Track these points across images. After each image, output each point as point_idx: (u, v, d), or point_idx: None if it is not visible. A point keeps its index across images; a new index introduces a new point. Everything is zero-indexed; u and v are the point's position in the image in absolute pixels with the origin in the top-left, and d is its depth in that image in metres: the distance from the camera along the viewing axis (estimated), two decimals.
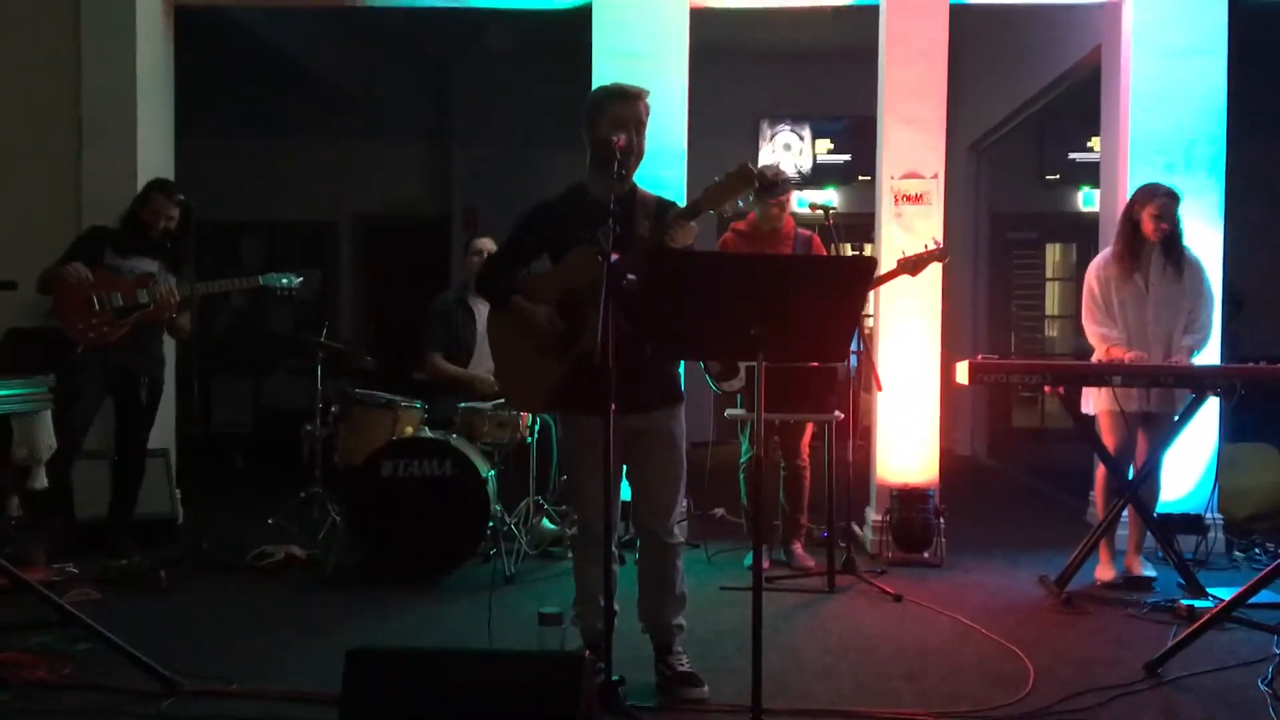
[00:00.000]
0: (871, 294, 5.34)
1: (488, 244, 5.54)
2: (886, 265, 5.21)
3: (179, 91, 6.12)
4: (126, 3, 5.70)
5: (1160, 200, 4.58)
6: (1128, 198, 4.83)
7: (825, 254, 5.06)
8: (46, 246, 5.03)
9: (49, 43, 5.75)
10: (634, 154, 3.27)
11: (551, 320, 3.29)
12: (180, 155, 6.01)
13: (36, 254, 4.96)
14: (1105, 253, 4.81)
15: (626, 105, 3.27)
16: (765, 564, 5.04)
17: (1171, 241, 4.62)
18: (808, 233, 5.14)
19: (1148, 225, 4.59)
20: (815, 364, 4.61)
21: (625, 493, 3.63)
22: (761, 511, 3.02)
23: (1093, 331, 4.73)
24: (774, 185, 4.93)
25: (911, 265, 4.81)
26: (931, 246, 4.80)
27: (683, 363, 4.15)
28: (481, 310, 5.61)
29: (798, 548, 5.15)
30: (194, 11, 6.19)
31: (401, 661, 2.63)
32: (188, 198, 5.06)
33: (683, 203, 3.74)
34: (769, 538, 5.11)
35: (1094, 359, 4.76)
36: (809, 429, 5.09)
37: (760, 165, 6.24)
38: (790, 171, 8.93)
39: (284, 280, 5.17)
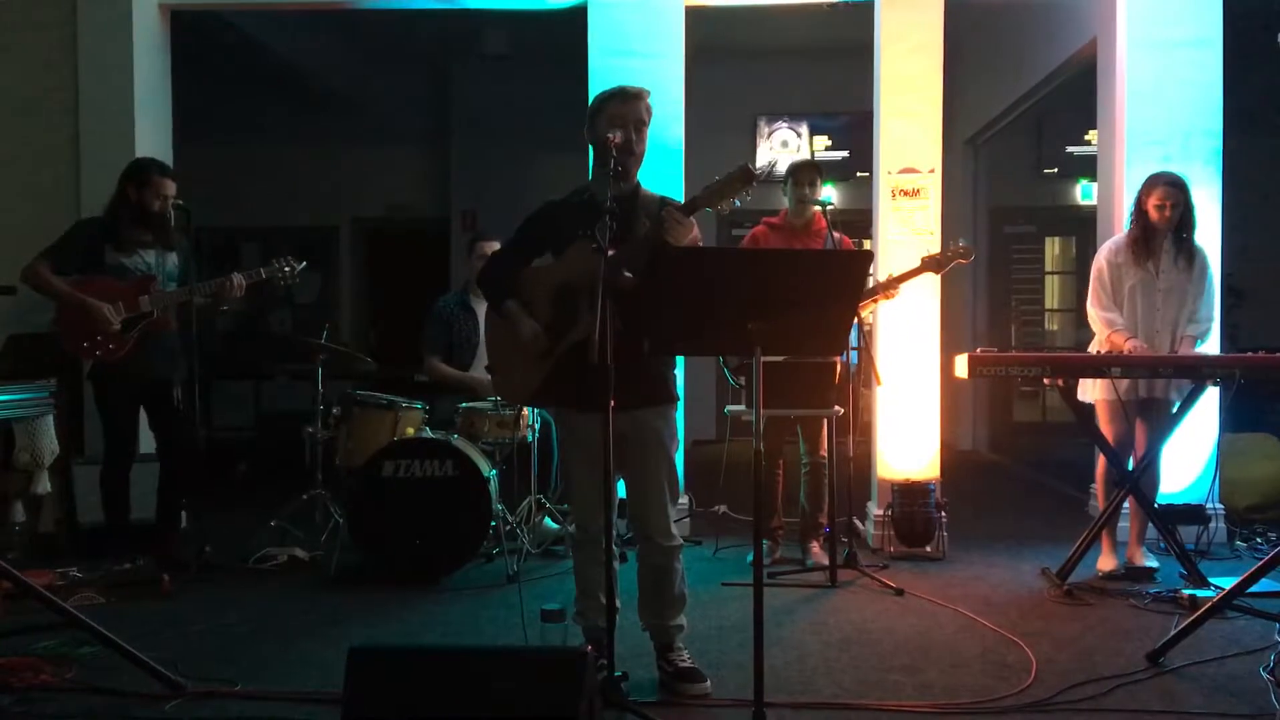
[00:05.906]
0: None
1: (493, 246, 5.54)
2: (883, 259, 5.21)
3: (177, 98, 6.15)
4: (123, 10, 5.72)
5: (1162, 188, 4.60)
6: (1125, 190, 4.83)
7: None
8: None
9: (46, 53, 5.79)
10: (633, 153, 3.28)
11: (536, 338, 3.29)
12: (179, 161, 6.00)
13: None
14: (1118, 237, 4.81)
15: (625, 104, 3.29)
16: (776, 556, 5.07)
17: (1182, 230, 4.64)
18: (840, 235, 4.87)
19: (1154, 214, 4.60)
20: (814, 359, 4.60)
21: (622, 490, 3.62)
22: (762, 505, 3.00)
23: (1097, 316, 4.73)
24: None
25: (935, 264, 4.83)
26: (954, 246, 4.83)
27: (681, 363, 4.13)
28: (483, 309, 5.62)
29: (815, 547, 5.09)
30: (190, 17, 6.22)
31: (404, 659, 2.64)
32: (187, 203, 5.00)
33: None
34: (773, 534, 5.11)
35: (1094, 345, 4.77)
36: (824, 423, 4.98)
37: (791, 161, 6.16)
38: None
39: (286, 268, 4.98)
